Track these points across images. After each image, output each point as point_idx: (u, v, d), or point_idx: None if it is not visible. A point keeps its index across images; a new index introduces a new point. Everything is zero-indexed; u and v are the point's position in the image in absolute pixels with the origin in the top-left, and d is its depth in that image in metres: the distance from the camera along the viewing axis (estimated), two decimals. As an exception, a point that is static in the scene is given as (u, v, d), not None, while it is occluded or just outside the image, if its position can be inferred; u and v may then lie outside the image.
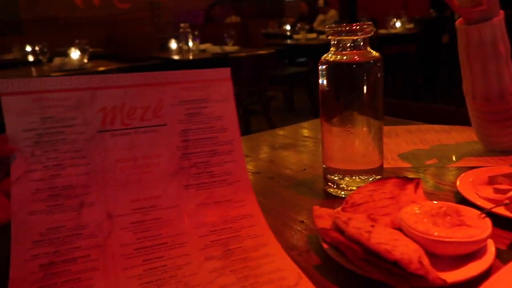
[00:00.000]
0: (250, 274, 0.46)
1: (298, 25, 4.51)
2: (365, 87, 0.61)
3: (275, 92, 4.27)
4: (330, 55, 0.62)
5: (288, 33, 5.37)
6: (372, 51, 0.61)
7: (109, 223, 0.49)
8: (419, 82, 4.75)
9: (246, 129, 3.32)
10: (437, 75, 4.67)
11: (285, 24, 5.91)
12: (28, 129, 0.48)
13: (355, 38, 0.60)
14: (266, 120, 3.45)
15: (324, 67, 0.62)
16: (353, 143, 0.64)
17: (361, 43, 0.61)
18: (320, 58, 0.63)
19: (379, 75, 0.61)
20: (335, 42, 0.62)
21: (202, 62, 3.26)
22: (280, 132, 1.11)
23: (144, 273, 0.46)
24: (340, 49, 0.62)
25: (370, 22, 0.61)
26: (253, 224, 0.54)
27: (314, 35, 4.54)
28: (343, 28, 0.60)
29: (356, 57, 0.61)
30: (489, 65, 0.71)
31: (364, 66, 0.60)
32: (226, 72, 0.56)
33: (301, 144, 0.98)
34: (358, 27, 0.60)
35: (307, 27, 4.61)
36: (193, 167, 0.54)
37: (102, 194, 0.49)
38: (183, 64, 3.24)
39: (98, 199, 0.49)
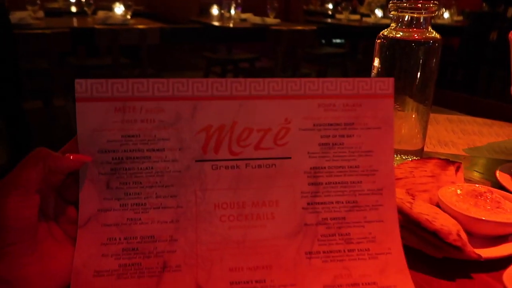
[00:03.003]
0: None
1: (343, 4, 4.39)
2: (420, 67, 0.61)
3: (308, 70, 4.23)
4: (389, 30, 0.63)
5: (330, 12, 5.25)
6: (433, 31, 0.61)
7: None
8: (457, 77, 4.61)
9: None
10: (478, 72, 4.52)
11: (328, 2, 5.78)
12: (105, 150, 0.35)
13: (417, 16, 0.60)
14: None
15: (381, 42, 0.63)
16: (399, 123, 0.65)
17: (423, 22, 0.61)
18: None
19: (436, 57, 0.62)
20: (396, 18, 0.62)
21: (242, 31, 3.26)
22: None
23: None
24: (400, 25, 0.62)
25: (436, 2, 0.60)
26: None
27: (357, 17, 4.42)
28: (407, 4, 0.60)
29: (416, 35, 0.61)
30: None
31: (424, 45, 0.60)
32: (388, 84, 0.38)
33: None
34: (422, 5, 0.60)
35: (350, 7, 4.50)
36: (322, 224, 0.37)
37: (192, 255, 0.35)
38: (224, 31, 3.24)
39: (186, 261, 0.35)
